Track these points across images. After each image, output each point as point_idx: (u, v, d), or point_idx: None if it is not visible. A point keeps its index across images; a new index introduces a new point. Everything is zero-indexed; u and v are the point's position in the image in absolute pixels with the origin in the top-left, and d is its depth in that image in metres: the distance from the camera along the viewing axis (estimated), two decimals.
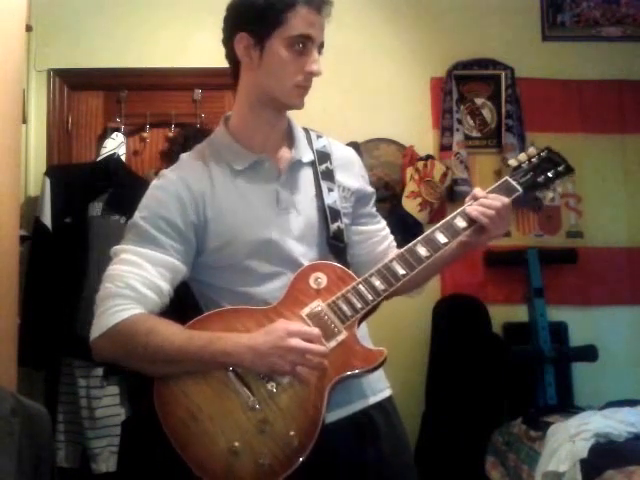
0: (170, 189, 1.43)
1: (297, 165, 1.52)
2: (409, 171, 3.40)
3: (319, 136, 1.59)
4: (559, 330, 3.37)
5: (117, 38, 3.37)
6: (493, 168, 3.52)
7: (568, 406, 3.12)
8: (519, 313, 3.40)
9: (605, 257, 3.52)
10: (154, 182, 1.48)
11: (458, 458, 3.03)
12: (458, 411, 3.11)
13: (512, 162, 1.59)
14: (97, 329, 1.36)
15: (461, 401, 3.12)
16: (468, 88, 3.57)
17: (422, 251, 1.47)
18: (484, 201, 1.49)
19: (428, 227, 3.26)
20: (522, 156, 1.59)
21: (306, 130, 1.60)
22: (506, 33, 3.58)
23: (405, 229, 3.21)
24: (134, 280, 1.36)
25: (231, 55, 1.48)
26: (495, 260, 3.39)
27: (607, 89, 3.58)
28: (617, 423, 2.57)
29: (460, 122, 3.48)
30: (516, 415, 3.04)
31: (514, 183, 1.54)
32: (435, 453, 3.07)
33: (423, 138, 3.50)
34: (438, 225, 1.50)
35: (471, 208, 1.49)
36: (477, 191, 1.52)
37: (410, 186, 3.38)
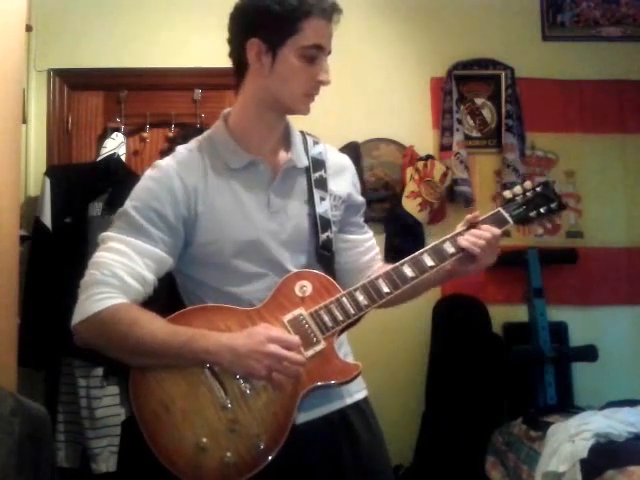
0: (164, 181, 1.44)
1: (291, 170, 1.53)
2: (409, 171, 3.40)
3: (316, 142, 1.60)
4: (559, 330, 3.37)
5: (117, 38, 3.38)
6: (493, 168, 3.53)
7: (568, 406, 3.12)
8: (519, 313, 3.40)
9: (605, 257, 3.52)
10: (148, 172, 1.48)
11: (458, 458, 3.03)
12: (458, 411, 3.11)
13: (507, 194, 1.62)
14: (79, 314, 1.36)
15: (461, 401, 3.13)
16: (468, 88, 3.57)
17: (408, 272, 1.48)
18: (475, 231, 1.51)
19: (428, 227, 3.34)
20: (517, 189, 1.62)
21: (303, 135, 1.60)
22: (506, 33, 3.58)
23: (405, 229, 3.21)
24: (120, 269, 1.37)
25: (237, 56, 1.48)
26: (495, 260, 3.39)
27: (607, 89, 3.58)
28: (617, 423, 2.57)
29: (460, 122, 3.48)
30: (516, 415, 3.04)
31: (506, 215, 1.57)
32: (435, 453, 3.07)
33: (423, 138, 3.50)
34: (427, 248, 1.51)
35: (462, 238, 1.50)
36: (471, 217, 1.54)
37: (410, 186, 3.38)
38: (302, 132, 1.61)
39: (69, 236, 2.93)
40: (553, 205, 1.61)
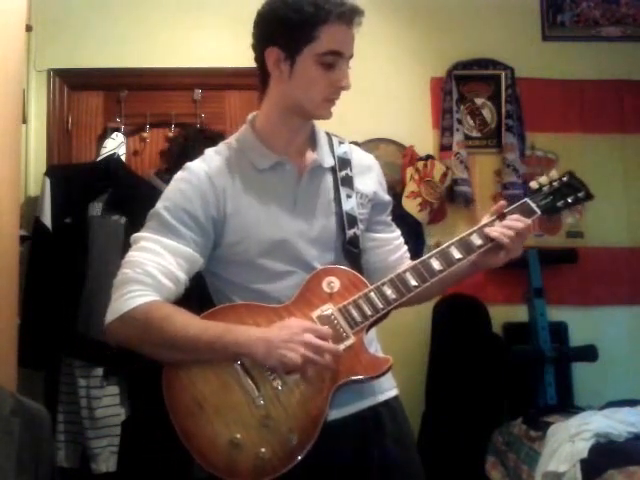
0: (194, 182, 1.46)
1: (317, 170, 1.55)
2: (409, 171, 3.40)
3: (341, 142, 1.62)
4: (559, 330, 3.37)
5: (117, 38, 3.37)
6: (493, 168, 3.53)
7: (568, 406, 3.12)
8: (519, 313, 3.40)
9: (605, 257, 3.52)
10: (179, 174, 1.51)
11: (458, 458, 3.03)
12: (458, 411, 3.11)
13: (533, 184, 1.60)
14: (113, 312, 1.38)
15: (461, 401, 3.12)
16: (468, 88, 3.57)
17: (436, 264, 1.48)
18: (505, 222, 1.50)
19: (428, 227, 3.33)
20: (543, 179, 1.60)
21: (329, 135, 1.62)
22: (506, 33, 3.58)
23: (405, 229, 3.20)
24: (153, 268, 1.39)
25: (260, 63, 1.50)
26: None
27: (607, 89, 3.58)
28: (617, 423, 2.57)
29: (460, 122, 3.48)
30: (516, 415, 3.03)
31: (533, 205, 1.55)
32: (435, 453, 3.07)
33: (423, 138, 3.50)
34: (454, 240, 1.51)
35: (491, 229, 1.50)
36: (497, 207, 1.53)
37: (410, 186, 3.39)
38: (327, 133, 1.63)
39: (69, 236, 2.93)
40: (580, 194, 1.61)
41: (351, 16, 1.43)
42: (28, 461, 1.38)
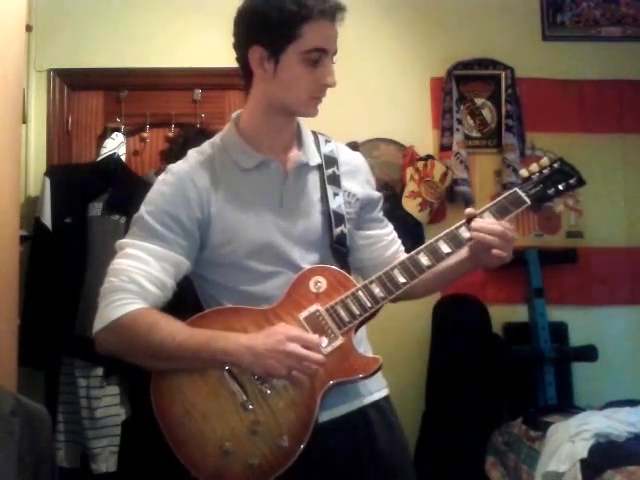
0: (177, 184, 1.44)
1: (304, 168, 1.53)
2: (409, 171, 3.40)
3: (327, 140, 1.60)
4: (559, 330, 3.37)
5: (117, 38, 3.38)
6: (493, 168, 3.53)
7: (568, 406, 3.12)
8: (519, 313, 3.40)
9: (605, 257, 3.52)
10: (161, 177, 1.48)
11: (458, 458, 3.03)
12: (458, 411, 3.11)
13: (523, 172, 1.56)
14: (100, 322, 1.37)
15: (461, 401, 3.12)
16: (468, 88, 3.57)
17: (424, 260, 1.45)
18: (485, 226, 1.44)
19: (428, 227, 3.33)
20: (534, 167, 1.56)
21: (315, 134, 1.60)
22: (506, 33, 3.58)
23: (405, 229, 3.20)
24: (138, 275, 1.37)
25: (242, 62, 1.48)
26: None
27: (607, 89, 3.58)
28: (617, 423, 2.57)
29: (460, 122, 3.48)
30: (516, 415, 3.04)
31: (522, 195, 1.50)
32: (435, 453, 3.07)
33: (423, 138, 3.49)
34: (442, 235, 1.47)
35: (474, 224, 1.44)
36: (469, 212, 1.47)
37: (410, 186, 3.39)
38: (313, 131, 1.61)
39: (69, 236, 2.94)
40: (572, 181, 1.57)
41: (334, 12, 1.41)
42: (28, 461, 1.38)
